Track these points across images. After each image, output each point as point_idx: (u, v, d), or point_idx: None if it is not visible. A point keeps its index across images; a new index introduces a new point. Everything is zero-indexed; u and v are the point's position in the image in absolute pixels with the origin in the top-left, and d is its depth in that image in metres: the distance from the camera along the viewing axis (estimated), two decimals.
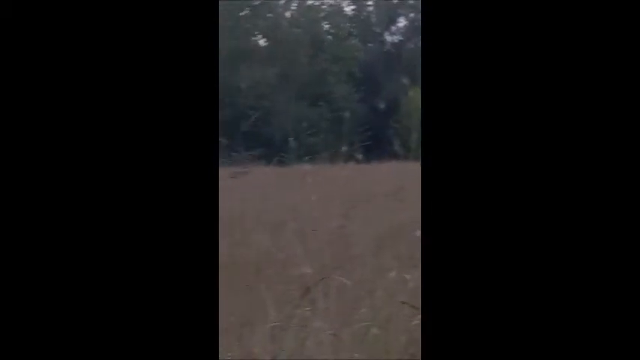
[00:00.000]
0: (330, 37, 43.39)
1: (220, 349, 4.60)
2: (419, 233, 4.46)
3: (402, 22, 45.74)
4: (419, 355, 4.17)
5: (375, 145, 24.61)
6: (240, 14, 42.08)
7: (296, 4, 44.13)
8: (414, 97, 33.18)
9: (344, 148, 15.95)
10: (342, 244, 7.44)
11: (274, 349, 4.60)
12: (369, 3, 46.15)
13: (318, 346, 4.62)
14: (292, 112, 38.20)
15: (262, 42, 43.24)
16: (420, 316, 4.40)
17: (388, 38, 45.88)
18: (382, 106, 41.32)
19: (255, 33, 42.87)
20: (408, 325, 4.77)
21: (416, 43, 42.55)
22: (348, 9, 45.63)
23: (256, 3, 42.57)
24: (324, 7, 44.31)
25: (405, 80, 36.92)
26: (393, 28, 45.93)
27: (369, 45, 45.06)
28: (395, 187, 11.62)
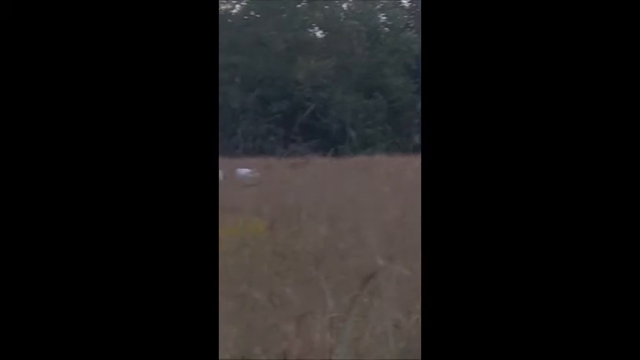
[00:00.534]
0: (386, 28, 43.23)
1: (279, 339, 4.58)
2: None
3: None
4: None
5: None
6: (297, 6, 42.13)
7: None
8: None
9: (399, 139, 15.91)
10: (401, 234, 7.38)
11: (333, 340, 4.56)
12: None
13: (379, 337, 4.58)
14: (349, 103, 38.15)
15: (319, 34, 43.23)
16: None
17: None
18: None
19: (312, 25, 42.88)
20: None
21: None
22: (405, 1, 45.44)
23: None
24: None
25: None
26: None
27: None
28: None
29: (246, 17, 42.83)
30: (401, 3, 45.16)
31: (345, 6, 43.93)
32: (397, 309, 4.89)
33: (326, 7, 42.75)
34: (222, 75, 39.01)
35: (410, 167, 14.27)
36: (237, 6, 43.90)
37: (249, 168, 17.75)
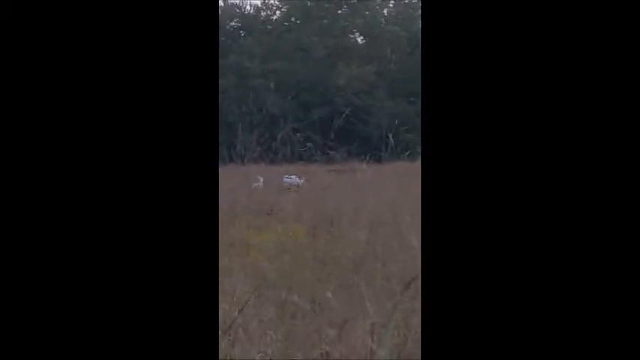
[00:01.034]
0: None
1: (321, 344, 4.57)
2: None
3: None
4: None
5: None
6: (338, 12, 42.19)
7: (393, 2, 44.08)
8: None
9: None
10: None
11: (374, 346, 4.55)
12: None
13: (419, 343, 4.56)
14: (389, 108, 38.13)
15: (360, 40, 43.28)
16: None
17: None
18: None
19: (353, 30, 42.93)
20: None
21: None
22: None
23: (354, 1, 42.63)
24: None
25: None
26: None
27: None
28: None
29: (286, 23, 42.97)
30: None
31: (385, 11, 43.96)
32: None
33: (367, 12, 42.80)
34: (263, 81, 39.16)
35: None
36: (278, 12, 44.05)
37: (294, 175, 17.78)
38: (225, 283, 5.47)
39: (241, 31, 43.02)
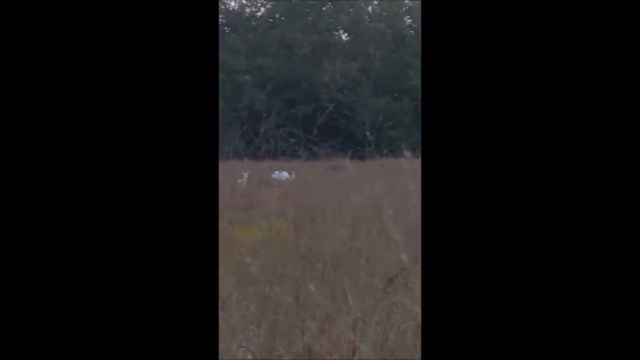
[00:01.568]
0: (412, 31, 43.16)
1: (303, 338, 4.57)
2: None
3: None
4: None
5: None
6: (323, 9, 42.16)
7: None
8: None
9: None
10: None
11: (356, 341, 4.55)
12: None
13: (403, 337, 4.56)
14: (374, 105, 38.14)
15: (344, 37, 43.24)
16: None
17: None
18: None
19: (338, 27, 42.89)
20: None
21: None
22: None
23: None
24: (406, 1, 44.13)
25: None
26: None
27: None
28: None
29: (271, 20, 42.90)
30: None
31: (370, 9, 43.93)
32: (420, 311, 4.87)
33: (351, 9, 42.75)
34: (247, 78, 39.12)
35: None
36: (262, 9, 43.98)
37: (283, 170, 17.80)
38: None
39: (226, 28, 42.94)
